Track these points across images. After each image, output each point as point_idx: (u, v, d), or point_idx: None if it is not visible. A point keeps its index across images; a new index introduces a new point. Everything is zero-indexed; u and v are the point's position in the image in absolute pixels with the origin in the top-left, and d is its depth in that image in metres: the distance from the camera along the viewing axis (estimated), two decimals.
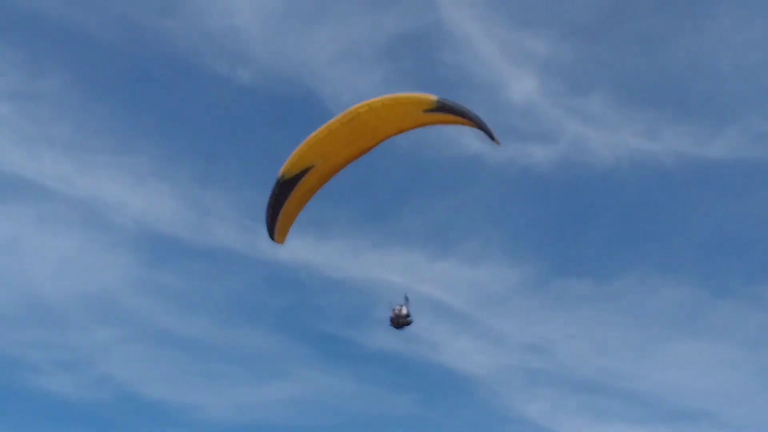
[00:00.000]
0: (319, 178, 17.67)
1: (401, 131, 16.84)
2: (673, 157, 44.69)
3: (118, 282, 44.75)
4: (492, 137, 15.32)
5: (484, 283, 44.17)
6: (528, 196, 47.04)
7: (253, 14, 45.47)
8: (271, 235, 18.08)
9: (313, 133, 16.48)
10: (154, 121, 47.78)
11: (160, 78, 48.99)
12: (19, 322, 42.21)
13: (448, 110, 15.33)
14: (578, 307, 44.32)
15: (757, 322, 42.23)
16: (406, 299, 19.45)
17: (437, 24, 45.56)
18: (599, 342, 43.72)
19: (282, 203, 17.50)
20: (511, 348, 43.88)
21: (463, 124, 15.86)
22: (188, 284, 46.29)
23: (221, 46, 45.65)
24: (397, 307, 19.38)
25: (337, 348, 45.16)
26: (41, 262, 44.45)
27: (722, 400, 41.68)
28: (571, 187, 46.42)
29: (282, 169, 17.06)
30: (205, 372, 43.61)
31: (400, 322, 19.40)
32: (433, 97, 15.13)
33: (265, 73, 47.85)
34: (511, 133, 42.08)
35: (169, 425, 41.84)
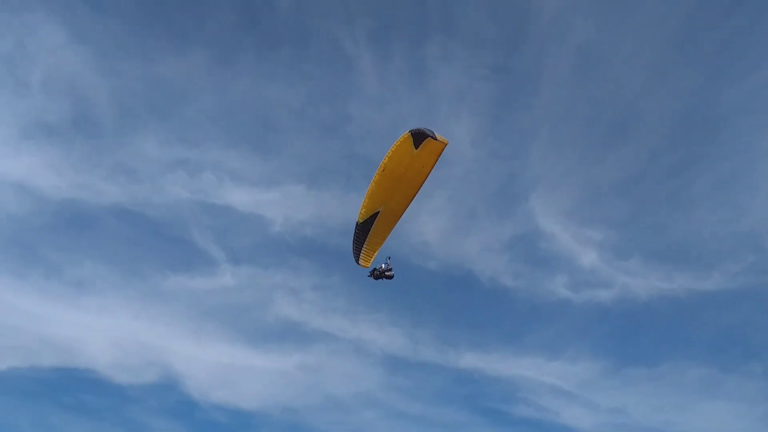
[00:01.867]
0: (388, 218, 26.36)
1: (420, 173, 25.05)
2: (685, 292, 75.20)
3: (374, 386, 72.19)
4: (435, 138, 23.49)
5: (578, 372, 74.04)
6: (600, 321, 78.93)
7: (435, 232, 79.14)
8: (357, 261, 26.87)
9: (369, 189, 25.81)
10: (392, 294, 75.20)
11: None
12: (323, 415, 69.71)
13: (420, 137, 23.66)
14: (640, 383, 72.70)
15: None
16: (389, 259, 26.52)
17: (536, 227, 79.80)
18: (657, 404, 71.14)
19: (363, 240, 26.58)
20: (604, 412, 70.76)
21: (435, 148, 24.02)
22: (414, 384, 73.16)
23: (419, 250, 76.22)
24: (382, 266, 26.18)
25: None
26: (335, 377, 73.00)
27: None
28: (624, 315, 77.85)
29: (358, 217, 26.53)
30: None
31: (379, 275, 26.97)
32: (408, 132, 23.89)
33: (443, 263, 79.27)
34: (585, 285, 76.37)
35: None
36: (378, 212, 26.26)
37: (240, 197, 76.32)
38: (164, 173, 75.77)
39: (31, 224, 69.25)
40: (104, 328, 68.36)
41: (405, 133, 24.12)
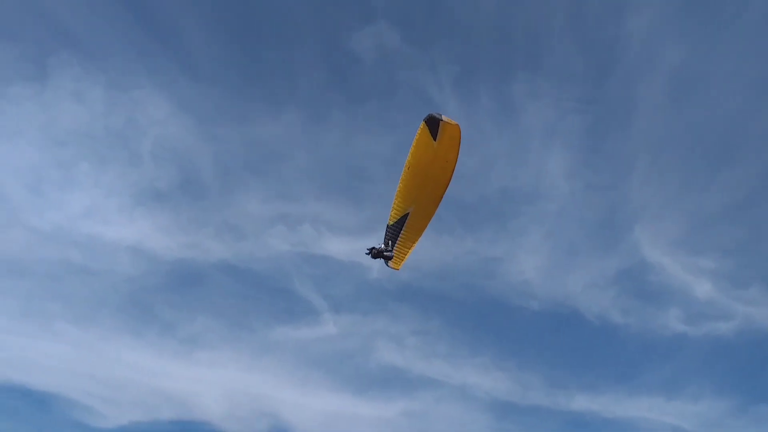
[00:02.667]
0: (419, 218, 26.47)
1: (445, 169, 25.14)
2: None
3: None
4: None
5: (702, 412, 69.37)
6: (721, 355, 75.08)
7: (534, 271, 79.15)
8: (387, 264, 26.81)
9: (397, 189, 26.06)
10: (496, 336, 79.13)
11: (492, 312, 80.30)
12: None
13: (433, 123, 23.83)
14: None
15: None
16: (387, 242, 26.54)
17: (642, 259, 77.42)
18: None
19: (395, 240, 26.61)
20: None
21: (452, 135, 23.92)
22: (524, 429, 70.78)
23: (519, 290, 78.08)
24: (382, 245, 25.99)
25: None
26: (440, 423, 71.59)
27: None
28: (748, 347, 73.16)
29: (389, 219, 26.70)
30: None
31: (377, 254, 26.81)
32: (423, 122, 24.07)
33: (545, 302, 78.53)
34: (702, 318, 73.32)
35: None
36: (408, 213, 26.39)
37: (338, 246, 78.32)
38: (266, 228, 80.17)
39: (146, 284, 74.41)
40: (217, 381, 71.56)
41: (420, 125, 24.57)
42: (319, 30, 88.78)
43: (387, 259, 27.21)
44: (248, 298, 78.05)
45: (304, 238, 78.15)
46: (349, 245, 78.43)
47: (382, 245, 27.21)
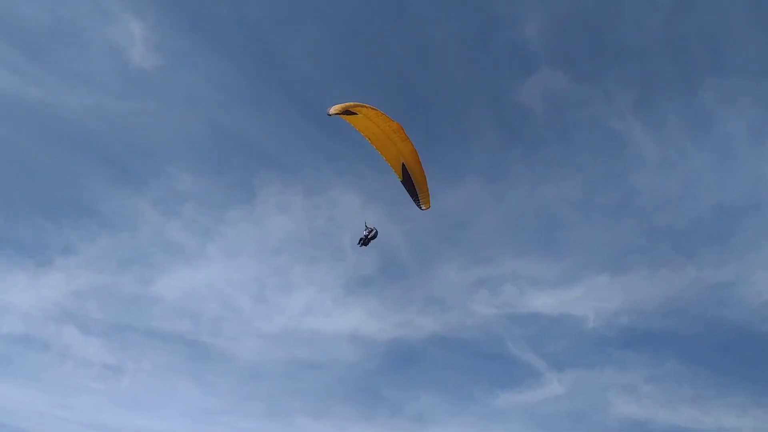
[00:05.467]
0: (413, 165, 30.26)
1: (387, 126, 28.60)
2: None
3: None
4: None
5: None
6: None
7: None
8: (420, 207, 31.00)
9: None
10: (735, 368, 73.06)
11: (735, 343, 74.71)
12: None
13: (343, 113, 27.10)
14: None
15: None
16: (366, 225, 30.05)
17: None
18: None
19: (414, 189, 30.69)
20: None
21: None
22: None
23: (764, 314, 70.87)
24: (365, 232, 30.20)
25: None
26: None
27: None
28: None
29: (398, 177, 30.55)
30: None
31: (365, 241, 29.50)
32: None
33: None
34: None
35: None
36: (403, 163, 30.18)
37: (543, 301, 77.79)
38: (468, 295, 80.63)
39: (369, 368, 76.44)
40: None
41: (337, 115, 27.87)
42: (483, 93, 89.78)
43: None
44: (464, 368, 78.27)
45: (507, 298, 78.13)
46: (556, 297, 77.54)
47: (365, 232, 31.01)
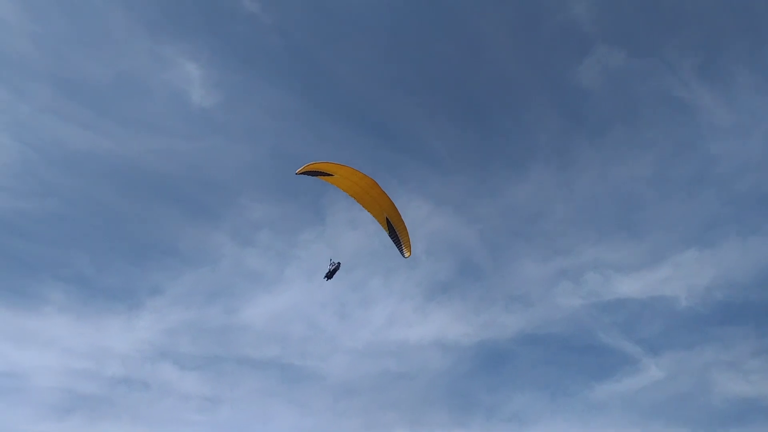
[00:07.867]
0: (393, 216, 33.58)
1: (361, 179, 32.10)
2: None
3: None
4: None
5: None
6: None
7: None
8: (403, 254, 34.40)
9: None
10: None
11: None
12: None
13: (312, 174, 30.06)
14: None
15: None
16: (331, 261, 32.49)
17: None
18: None
19: (398, 240, 34.30)
20: None
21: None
22: None
23: None
24: (330, 266, 32.72)
25: None
26: None
27: None
28: None
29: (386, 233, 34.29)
30: None
31: (332, 271, 31.85)
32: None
33: None
34: None
35: None
36: (387, 217, 33.75)
37: (630, 286, 76.01)
38: (551, 288, 79.95)
39: (459, 373, 76.77)
40: None
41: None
42: (540, 81, 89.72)
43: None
44: (556, 363, 76.65)
45: (592, 287, 76.35)
46: (642, 280, 75.81)
47: (329, 267, 33.77)
